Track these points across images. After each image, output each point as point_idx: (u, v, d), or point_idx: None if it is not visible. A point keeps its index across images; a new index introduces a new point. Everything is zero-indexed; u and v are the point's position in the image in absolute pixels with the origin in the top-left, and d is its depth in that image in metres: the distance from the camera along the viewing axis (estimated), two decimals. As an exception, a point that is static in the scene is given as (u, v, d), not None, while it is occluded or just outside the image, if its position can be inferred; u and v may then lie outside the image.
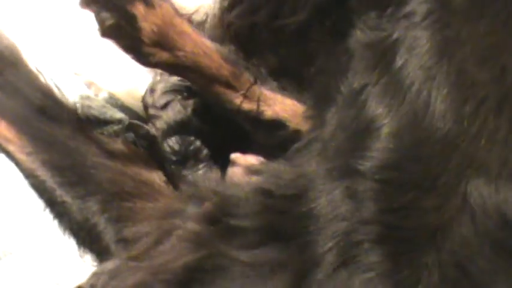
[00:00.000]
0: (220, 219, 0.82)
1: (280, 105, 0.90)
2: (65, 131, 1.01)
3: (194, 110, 0.99)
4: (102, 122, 1.05)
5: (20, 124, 1.01)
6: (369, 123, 0.77)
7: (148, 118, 1.04)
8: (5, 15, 1.10)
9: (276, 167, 0.84)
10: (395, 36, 0.80)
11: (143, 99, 1.05)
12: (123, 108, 1.06)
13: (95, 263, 1.00)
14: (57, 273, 0.98)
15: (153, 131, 1.02)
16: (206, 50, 0.90)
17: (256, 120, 0.90)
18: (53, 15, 1.12)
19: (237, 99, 0.90)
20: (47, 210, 1.00)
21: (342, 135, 0.80)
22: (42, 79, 1.04)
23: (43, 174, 1.00)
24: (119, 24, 0.88)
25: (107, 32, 0.89)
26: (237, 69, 0.90)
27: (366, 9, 0.83)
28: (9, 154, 1.01)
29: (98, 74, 0.98)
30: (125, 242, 0.98)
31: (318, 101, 0.87)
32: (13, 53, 1.05)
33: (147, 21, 0.88)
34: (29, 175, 1.01)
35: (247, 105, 0.90)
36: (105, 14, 0.88)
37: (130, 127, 1.02)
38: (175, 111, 1.00)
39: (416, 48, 0.78)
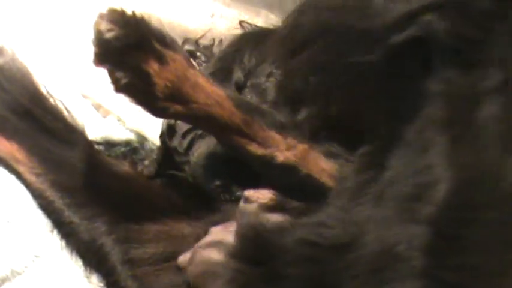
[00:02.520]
0: (265, 262, 0.83)
1: (292, 151, 0.92)
2: (73, 153, 1.05)
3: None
4: (109, 144, 1.08)
5: (30, 145, 1.06)
6: (435, 177, 0.76)
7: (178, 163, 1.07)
8: (16, 37, 1.15)
9: (320, 215, 0.83)
10: (474, 93, 0.79)
11: (162, 138, 1.08)
12: (130, 130, 1.10)
13: (101, 284, 1.03)
14: (65, 293, 1.01)
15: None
16: (218, 99, 0.92)
17: (268, 164, 0.92)
18: (62, 37, 1.17)
19: (250, 146, 0.92)
20: (55, 231, 1.04)
21: (405, 183, 0.79)
22: (52, 101, 1.09)
23: (51, 195, 1.04)
24: (133, 82, 0.89)
25: (121, 89, 0.90)
26: (248, 116, 0.92)
27: (446, 59, 0.82)
28: (19, 175, 1.05)
29: (106, 97, 1.01)
30: (131, 263, 1.02)
31: (378, 141, 0.86)
32: (24, 75, 1.10)
33: (160, 78, 0.89)
34: (38, 196, 1.05)
35: (259, 151, 0.92)
36: (119, 73, 0.89)
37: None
38: (204, 147, 1.03)
39: (494, 112, 0.78)
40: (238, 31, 1.13)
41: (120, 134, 1.10)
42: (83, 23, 1.15)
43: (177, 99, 0.90)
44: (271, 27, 1.13)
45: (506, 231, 0.73)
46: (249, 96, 1.05)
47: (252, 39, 1.11)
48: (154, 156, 1.09)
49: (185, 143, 1.05)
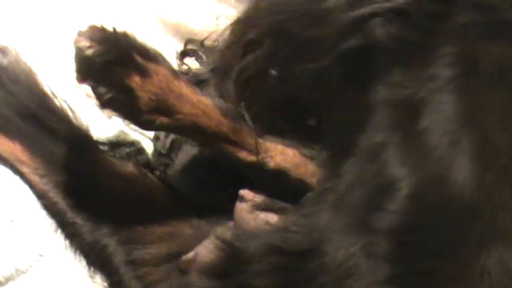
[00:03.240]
0: (232, 274, 0.85)
1: (282, 156, 0.94)
2: (77, 154, 1.07)
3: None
4: (114, 145, 1.09)
5: (34, 146, 1.07)
6: (388, 183, 0.78)
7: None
8: (20, 37, 1.15)
9: (286, 219, 0.86)
10: (419, 96, 0.81)
11: (153, 140, 1.10)
12: (135, 131, 1.11)
13: (105, 283, 1.04)
14: (68, 293, 1.03)
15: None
16: (205, 108, 0.93)
17: (259, 170, 0.94)
18: (66, 38, 1.16)
19: (239, 153, 0.94)
20: (59, 231, 1.05)
21: (359, 190, 0.81)
22: (56, 102, 1.10)
23: (55, 196, 1.06)
24: (116, 97, 0.91)
25: (105, 104, 0.92)
26: (236, 124, 0.94)
27: (390, 64, 0.84)
28: (22, 176, 1.06)
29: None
30: (134, 264, 1.03)
31: (333, 151, 0.89)
32: (28, 76, 1.10)
33: (143, 91, 0.91)
34: (42, 196, 1.06)
35: (249, 158, 0.94)
36: (102, 89, 0.90)
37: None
38: (184, 155, 1.04)
39: (440, 112, 0.80)
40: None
41: (125, 134, 1.11)
42: (86, 22, 1.15)
43: (162, 111, 0.92)
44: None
45: (460, 233, 0.76)
46: None
47: None
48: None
49: (167, 144, 1.07)
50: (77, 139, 1.08)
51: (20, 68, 1.10)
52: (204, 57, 1.13)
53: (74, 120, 1.09)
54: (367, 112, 0.84)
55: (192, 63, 1.13)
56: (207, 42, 1.14)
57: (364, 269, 0.76)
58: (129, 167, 1.07)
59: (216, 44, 1.12)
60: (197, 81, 1.04)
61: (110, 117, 1.12)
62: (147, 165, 1.09)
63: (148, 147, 1.10)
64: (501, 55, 0.81)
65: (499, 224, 0.76)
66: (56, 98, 1.10)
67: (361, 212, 0.79)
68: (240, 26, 0.99)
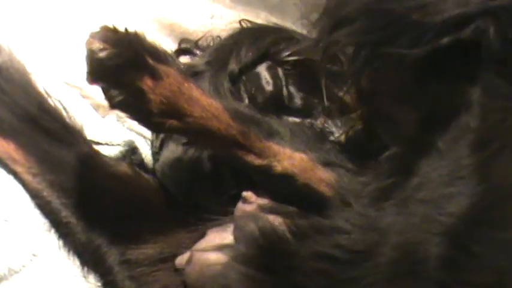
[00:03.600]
0: (277, 270, 0.83)
1: (289, 161, 0.93)
2: (71, 153, 1.07)
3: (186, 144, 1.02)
4: (109, 144, 1.10)
5: (27, 145, 1.07)
6: (458, 191, 0.75)
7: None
8: (15, 38, 1.15)
9: (337, 220, 0.82)
10: None
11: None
12: (130, 130, 1.11)
13: (99, 284, 1.04)
14: (62, 292, 1.03)
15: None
16: (214, 111, 0.93)
17: (266, 174, 0.93)
18: (61, 37, 1.18)
19: (247, 157, 0.93)
20: (53, 230, 1.05)
21: (430, 191, 0.77)
22: (50, 101, 1.10)
23: (49, 195, 1.06)
24: (127, 100, 0.90)
25: (116, 106, 0.91)
26: (245, 127, 0.93)
27: (494, 68, 0.79)
28: (16, 175, 1.06)
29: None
30: (128, 264, 1.03)
31: (406, 146, 0.84)
32: (22, 75, 1.11)
33: (155, 94, 0.90)
34: (35, 196, 1.06)
35: (257, 161, 0.93)
36: (113, 91, 0.90)
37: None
38: (169, 151, 1.05)
39: None
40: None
41: (120, 134, 1.11)
42: (82, 22, 1.16)
43: (172, 114, 0.92)
44: (272, 24, 1.15)
45: None
46: (243, 89, 1.06)
47: (250, 35, 1.12)
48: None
49: (158, 141, 1.08)
50: (71, 138, 1.08)
51: (14, 67, 1.11)
52: (199, 54, 1.14)
53: (67, 120, 1.10)
54: (454, 112, 0.80)
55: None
56: (202, 43, 1.15)
57: (419, 271, 0.74)
58: (123, 167, 1.08)
59: (211, 44, 1.12)
60: (192, 73, 1.05)
61: (104, 117, 1.12)
62: (142, 164, 1.10)
63: (143, 147, 1.11)
64: None
65: None
66: (50, 97, 1.10)
67: (427, 213, 0.76)
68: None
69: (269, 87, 1.05)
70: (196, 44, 1.16)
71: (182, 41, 1.17)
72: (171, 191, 1.07)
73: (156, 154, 1.10)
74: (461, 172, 0.76)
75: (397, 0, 0.83)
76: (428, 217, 0.76)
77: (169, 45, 1.17)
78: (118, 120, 1.12)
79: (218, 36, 1.12)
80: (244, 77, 1.06)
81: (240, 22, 1.13)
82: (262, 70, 1.07)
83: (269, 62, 1.08)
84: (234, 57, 1.07)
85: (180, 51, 1.15)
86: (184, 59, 1.14)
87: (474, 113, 0.78)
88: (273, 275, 0.82)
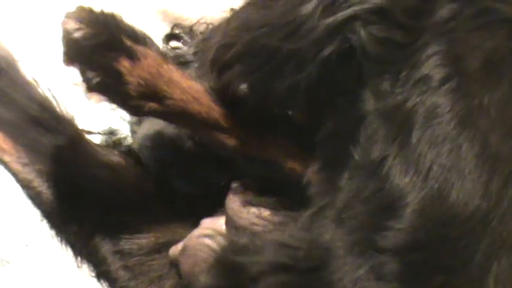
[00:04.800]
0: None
1: (274, 146, 0.93)
2: (61, 142, 1.07)
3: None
4: (101, 133, 1.10)
5: (16, 135, 1.07)
6: (392, 200, 0.76)
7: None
8: (2, 24, 1.15)
9: (288, 234, 0.83)
10: (411, 102, 0.78)
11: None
12: (123, 119, 1.11)
13: (92, 274, 1.05)
14: (55, 282, 1.04)
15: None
16: (195, 94, 0.92)
17: (250, 158, 0.93)
18: (51, 25, 1.16)
19: (230, 141, 0.93)
20: (44, 221, 1.06)
21: (360, 207, 0.78)
22: (39, 90, 1.09)
23: (39, 185, 1.06)
24: (105, 82, 0.89)
25: (93, 88, 0.90)
26: (227, 110, 0.93)
27: (378, 71, 0.81)
28: (5, 165, 1.06)
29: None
30: (122, 254, 1.04)
31: (327, 163, 0.86)
32: (10, 63, 1.10)
33: (133, 76, 0.90)
34: (25, 186, 1.06)
35: (240, 146, 0.93)
36: (90, 73, 0.89)
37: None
38: (148, 125, 1.04)
39: (436, 117, 0.77)
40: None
41: (112, 122, 1.11)
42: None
43: (152, 96, 0.91)
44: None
45: (469, 245, 0.74)
46: None
47: None
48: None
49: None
50: (61, 128, 1.08)
51: (0, 55, 1.10)
52: (190, 41, 1.13)
53: (57, 109, 1.09)
54: (359, 123, 0.82)
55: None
56: (196, 28, 1.14)
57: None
58: (115, 156, 1.08)
59: (204, 30, 1.12)
60: (178, 63, 1.03)
61: (97, 104, 1.11)
62: (134, 153, 1.10)
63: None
64: (491, 48, 0.79)
65: (508, 232, 0.74)
66: (39, 85, 1.10)
67: (364, 229, 0.77)
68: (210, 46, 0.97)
69: None
70: (191, 29, 1.15)
71: (175, 26, 1.16)
72: (146, 164, 1.06)
73: (133, 125, 1.09)
74: (389, 184, 0.77)
75: (268, 35, 0.86)
76: (366, 238, 0.76)
77: (164, 31, 1.16)
78: (111, 109, 1.11)
79: (211, 23, 1.11)
80: None
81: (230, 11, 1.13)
82: None
83: None
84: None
85: (171, 36, 1.14)
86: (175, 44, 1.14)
87: (374, 123, 0.80)
88: None
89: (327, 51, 0.82)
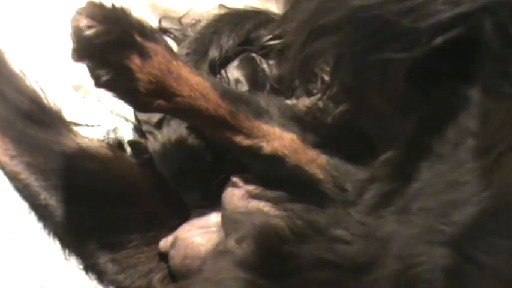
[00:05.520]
0: (279, 276, 0.80)
1: (279, 141, 0.92)
2: (49, 134, 1.07)
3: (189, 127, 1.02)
4: (89, 125, 1.09)
5: (3, 127, 1.06)
6: (462, 197, 0.73)
7: (142, 133, 1.09)
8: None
9: (337, 229, 0.80)
10: None
11: (135, 113, 1.10)
12: (110, 111, 1.11)
13: (80, 266, 1.05)
14: (43, 275, 1.03)
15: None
16: (203, 90, 0.92)
17: (254, 155, 0.93)
18: (39, 17, 1.17)
19: (235, 137, 0.92)
20: (32, 213, 1.05)
21: (432, 199, 0.75)
22: (27, 82, 1.09)
23: (27, 177, 1.06)
24: (115, 79, 0.88)
25: (102, 85, 0.89)
26: (234, 107, 0.93)
27: (497, 69, 0.76)
28: (-8, 157, 1.06)
29: (86, 77, 1.02)
30: (110, 247, 1.04)
31: (404, 149, 0.82)
32: (-3, 55, 1.10)
33: (143, 73, 0.89)
34: (13, 178, 1.06)
35: (245, 142, 0.92)
36: (100, 70, 0.88)
37: (131, 145, 1.08)
38: (171, 131, 1.04)
39: None
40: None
41: (100, 115, 1.11)
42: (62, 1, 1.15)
43: (161, 93, 0.90)
44: (250, 8, 1.14)
45: None
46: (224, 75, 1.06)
47: (230, 21, 1.12)
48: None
49: (157, 116, 1.06)
50: (48, 120, 1.08)
51: (-14, 47, 1.10)
52: (178, 35, 1.13)
53: (45, 101, 1.09)
54: (452, 113, 0.78)
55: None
56: (185, 20, 1.14)
57: (423, 283, 0.72)
58: (104, 149, 1.08)
59: (193, 22, 1.12)
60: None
61: (84, 97, 1.11)
62: (121, 146, 1.10)
63: (123, 128, 1.11)
64: None
65: None
66: (26, 78, 1.10)
67: (429, 222, 0.74)
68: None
69: (244, 88, 1.05)
70: (179, 21, 1.15)
71: (162, 19, 1.16)
72: (161, 171, 1.05)
73: (151, 127, 1.08)
74: (463, 178, 0.74)
75: (383, 6, 0.80)
76: (431, 226, 0.74)
77: (153, 23, 1.16)
78: (98, 101, 1.11)
79: (199, 20, 1.11)
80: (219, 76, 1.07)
81: (219, 7, 1.13)
82: (232, 71, 1.07)
83: (240, 58, 1.08)
84: (215, 46, 1.08)
85: (160, 31, 1.14)
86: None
87: (474, 115, 0.77)
88: (272, 280, 0.81)
89: (443, 38, 0.77)
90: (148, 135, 1.06)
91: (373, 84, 0.84)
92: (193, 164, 1.03)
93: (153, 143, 1.05)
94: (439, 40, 0.77)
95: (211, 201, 0.99)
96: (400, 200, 0.78)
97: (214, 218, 0.98)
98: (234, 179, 0.95)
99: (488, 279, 0.71)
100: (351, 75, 0.85)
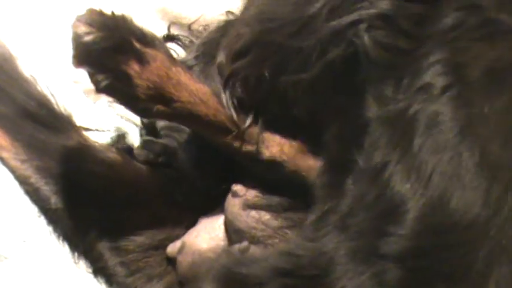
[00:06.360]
0: None
1: (278, 147, 0.94)
2: (59, 139, 1.08)
3: None
4: (99, 130, 1.10)
5: (14, 131, 1.07)
6: (393, 206, 0.77)
7: (157, 131, 1.10)
8: (1, 22, 1.15)
9: (293, 243, 0.85)
10: (413, 109, 0.79)
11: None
12: (120, 116, 1.12)
13: (89, 270, 1.06)
14: (52, 278, 1.04)
15: (171, 143, 1.07)
16: (202, 96, 0.94)
17: (254, 160, 0.94)
18: (51, 22, 1.18)
19: (235, 142, 0.94)
20: (42, 217, 1.06)
21: (363, 213, 0.79)
22: (38, 87, 1.10)
23: (37, 181, 1.07)
24: (114, 84, 0.90)
25: (102, 91, 0.91)
26: (234, 113, 0.94)
27: (379, 75, 0.82)
28: (3, 161, 1.07)
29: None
30: (119, 250, 1.05)
31: (331, 167, 0.87)
32: (8, 60, 1.11)
33: (142, 79, 0.91)
34: (23, 182, 1.07)
35: (245, 147, 0.94)
36: (99, 76, 0.90)
37: (145, 145, 1.08)
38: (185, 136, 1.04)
39: (438, 125, 0.78)
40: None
41: (110, 120, 1.12)
42: (72, 5, 1.16)
43: (160, 99, 0.92)
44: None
45: (469, 253, 0.74)
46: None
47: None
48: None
49: None
50: (59, 124, 1.09)
51: (-2, 52, 1.11)
52: (187, 43, 1.14)
53: (55, 106, 1.10)
54: (362, 129, 0.83)
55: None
56: (195, 27, 1.15)
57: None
58: (113, 153, 1.09)
59: (203, 29, 1.13)
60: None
61: (95, 102, 1.12)
62: (131, 151, 1.11)
63: (133, 133, 1.12)
64: (493, 57, 0.79)
65: (508, 240, 0.74)
66: (37, 82, 1.11)
67: (367, 236, 0.78)
68: (228, 31, 0.99)
69: None
70: (189, 28, 1.16)
71: (172, 24, 1.18)
72: (183, 163, 1.06)
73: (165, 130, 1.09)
74: (390, 190, 0.78)
75: (278, 30, 0.87)
76: (369, 244, 0.77)
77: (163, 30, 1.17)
78: (109, 106, 1.12)
79: (207, 25, 1.12)
80: None
81: (226, 13, 1.14)
82: None
83: None
84: (222, 49, 1.08)
85: (169, 38, 1.15)
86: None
87: (376, 129, 0.81)
88: None
89: (332, 54, 0.84)
90: (169, 131, 1.07)
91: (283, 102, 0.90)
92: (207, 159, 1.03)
93: (179, 135, 1.06)
94: (328, 57, 0.83)
95: (217, 205, 1.01)
96: (336, 217, 0.82)
97: (221, 224, 0.99)
98: (235, 187, 0.97)
99: (436, 281, 0.74)
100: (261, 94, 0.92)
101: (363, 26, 0.82)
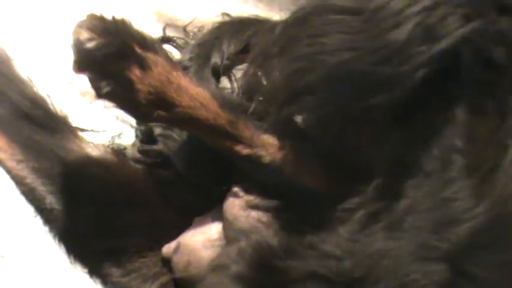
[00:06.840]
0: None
1: (278, 151, 0.94)
2: (55, 140, 1.09)
3: None
4: (94, 131, 1.11)
5: (10, 132, 1.08)
6: (456, 213, 0.76)
7: (152, 138, 1.10)
8: (-2, 24, 1.16)
9: (327, 245, 0.83)
10: (504, 126, 0.77)
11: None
12: (116, 117, 1.13)
13: (85, 270, 1.07)
14: (48, 278, 1.05)
15: (165, 149, 1.07)
16: (202, 100, 0.93)
17: (254, 163, 0.94)
18: (47, 23, 1.19)
19: (235, 147, 0.94)
20: (38, 217, 1.07)
21: (423, 215, 0.77)
22: (34, 88, 1.11)
23: (33, 182, 1.08)
24: (115, 90, 0.90)
25: (103, 96, 0.91)
26: (233, 117, 0.94)
27: (481, 91, 0.79)
28: (-1, 162, 1.08)
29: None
30: (114, 251, 1.06)
31: (389, 171, 0.84)
32: (4, 61, 1.12)
33: (143, 84, 0.91)
34: (19, 182, 1.08)
35: (245, 151, 0.94)
36: (101, 82, 0.90)
37: (141, 152, 1.09)
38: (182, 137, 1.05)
39: None
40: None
41: (106, 120, 1.13)
42: (68, 7, 1.17)
43: (161, 104, 0.92)
44: (252, 16, 1.16)
45: None
46: (228, 81, 1.08)
47: (231, 28, 1.13)
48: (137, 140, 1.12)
49: None
50: (54, 125, 1.10)
51: (-6, 53, 1.11)
52: (182, 44, 1.15)
53: (51, 107, 1.11)
54: (437, 133, 0.80)
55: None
56: (190, 28, 1.16)
57: None
58: (109, 154, 1.10)
59: (197, 30, 1.14)
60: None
61: (90, 103, 1.13)
62: (126, 152, 1.12)
63: (128, 134, 1.13)
64: None
65: None
66: (33, 83, 1.11)
67: (422, 238, 0.76)
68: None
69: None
70: (184, 29, 1.17)
71: (167, 26, 1.18)
72: (178, 163, 1.06)
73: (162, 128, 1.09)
74: (455, 195, 0.76)
75: (358, 59, 0.83)
76: (424, 243, 0.76)
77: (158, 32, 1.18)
78: (105, 107, 1.12)
79: (202, 27, 1.13)
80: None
81: (221, 15, 1.15)
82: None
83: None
84: (217, 51, 1.09)
85: (164, 39, 1.16)
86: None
87: (460, 133, 0.79)
88: None
89: (425, 72, 0.80)
90: (162, 139, 1.08)
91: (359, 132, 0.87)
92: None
93: (170, 143, 1.06)
94: (420, 73, 0.80)
95: (211, 205, 1.01)
96: (389, 217, 0.81)
97: (217, 224, 0.99)
98: (235, 188, 0.97)
99: None
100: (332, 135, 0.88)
101: (466, 44, 0.80)
